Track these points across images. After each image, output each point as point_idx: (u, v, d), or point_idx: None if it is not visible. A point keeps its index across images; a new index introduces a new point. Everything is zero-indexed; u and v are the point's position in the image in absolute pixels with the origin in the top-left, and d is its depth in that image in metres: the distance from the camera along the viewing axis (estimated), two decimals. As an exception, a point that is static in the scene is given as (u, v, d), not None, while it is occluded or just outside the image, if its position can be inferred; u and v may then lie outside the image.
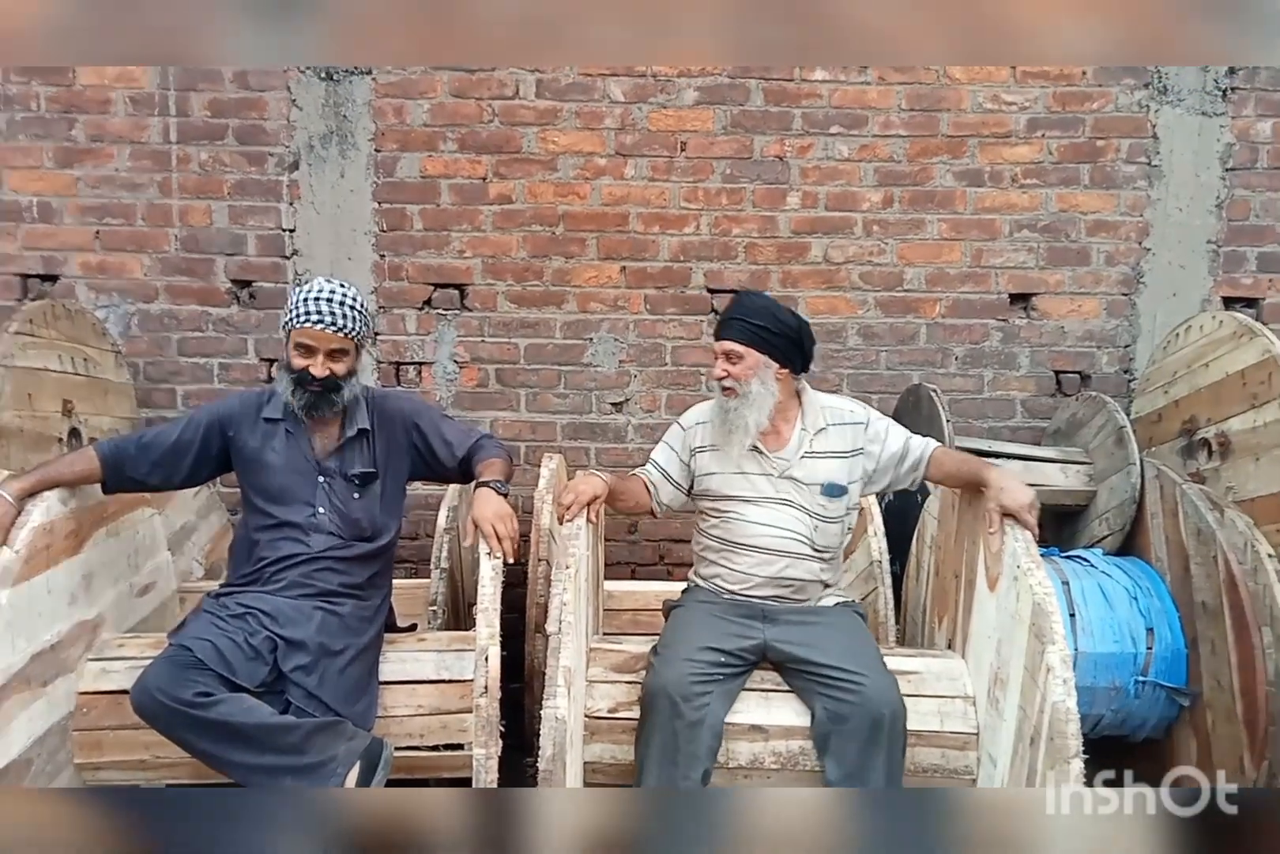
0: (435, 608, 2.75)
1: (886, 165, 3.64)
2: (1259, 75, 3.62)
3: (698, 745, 2.13)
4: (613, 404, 3.74)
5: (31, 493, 2.17)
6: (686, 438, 2.48)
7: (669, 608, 2.52)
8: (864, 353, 3.69)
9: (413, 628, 2.58)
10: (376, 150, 3.60)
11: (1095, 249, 3.70)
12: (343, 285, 2.32)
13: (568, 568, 2.09)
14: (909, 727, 2.20)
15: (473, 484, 2.37)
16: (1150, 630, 3.03)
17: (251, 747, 2.01)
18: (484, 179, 3.62)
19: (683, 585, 3.29)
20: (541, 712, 1.91)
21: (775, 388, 2.35)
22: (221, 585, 2.41)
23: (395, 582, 2.55)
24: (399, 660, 2.36)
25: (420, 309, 3.68)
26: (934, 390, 3.38)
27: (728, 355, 2.34)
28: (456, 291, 3.68)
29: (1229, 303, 3.72)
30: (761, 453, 2.39)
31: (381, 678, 2.31)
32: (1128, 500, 3.23)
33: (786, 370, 2.37)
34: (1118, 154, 3.65)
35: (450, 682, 2.32)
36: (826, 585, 2.44)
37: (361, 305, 2.33)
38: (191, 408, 3.63)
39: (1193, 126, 3.64)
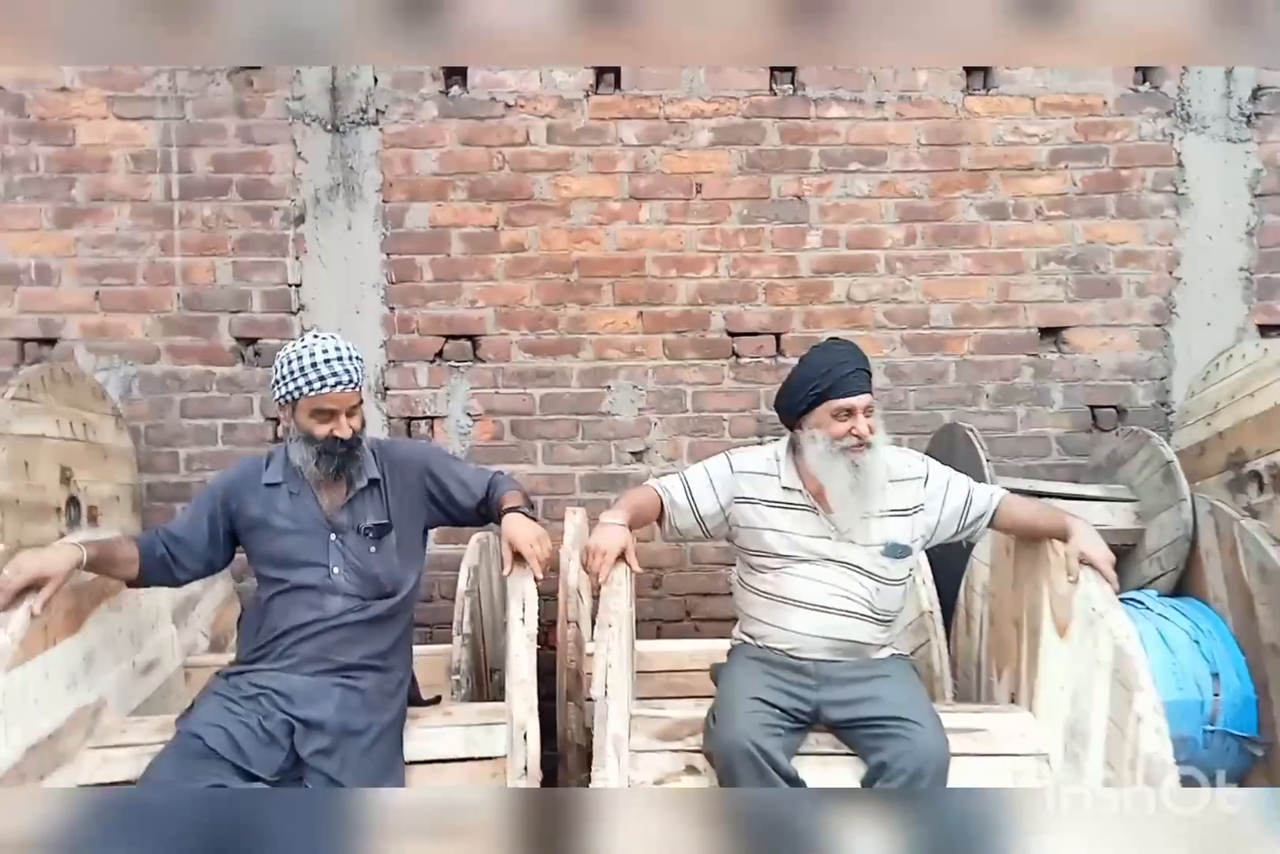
0: (459, 677, 2.58)
1: (908, 201, 3.55)
2: (1282, 99, 3.55)
3: None
4: (633, 453, 3.60)
5: (94, 563, 2.07)
6: (734, 484, 2.31)
7: (716, 670, 2.35)
8: (891, 393, 3.56)
9: (437, 701, 2.41)
10: (384, 201, 3.52)
11: (1125, 280, 3.59)
12: (334, 338, 2.22)
13: (610, 626, 1.94)
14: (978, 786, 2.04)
15: (501, 513, 2.24)
16: (1215, 676, 2.86)
17: (268, 844, 1.83)
18: (495, 227, 3.53)
19: (716, 643, 3.16)
20: (591, 786, 1.75)
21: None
22: (231, 663, 2.25)
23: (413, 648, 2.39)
24: (424, 738, 2.19)
25: (431, 362, 3.56)
26: (970, 430, 3.24)
27: (866, 410, 2.20)
28: (469, 342, 3.56)
29: (1264, 330, 3.60)
30: (817, 512, 2.25)
31: (406, 757, 2.13)
32: (1180, 538, 3.08)
33: None
34: (1144, 183, 3.56)
35: (480, 759, 2.15)
36: (883, 646, 2.28)
37: (358, 354, 2.24)
38: (194, 471, 3.50)
39: (1218, 153, 3.55)
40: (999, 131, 3.54)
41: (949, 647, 2.73)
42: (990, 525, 2.30)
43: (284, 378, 2.17)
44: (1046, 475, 3.57)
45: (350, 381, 2.17)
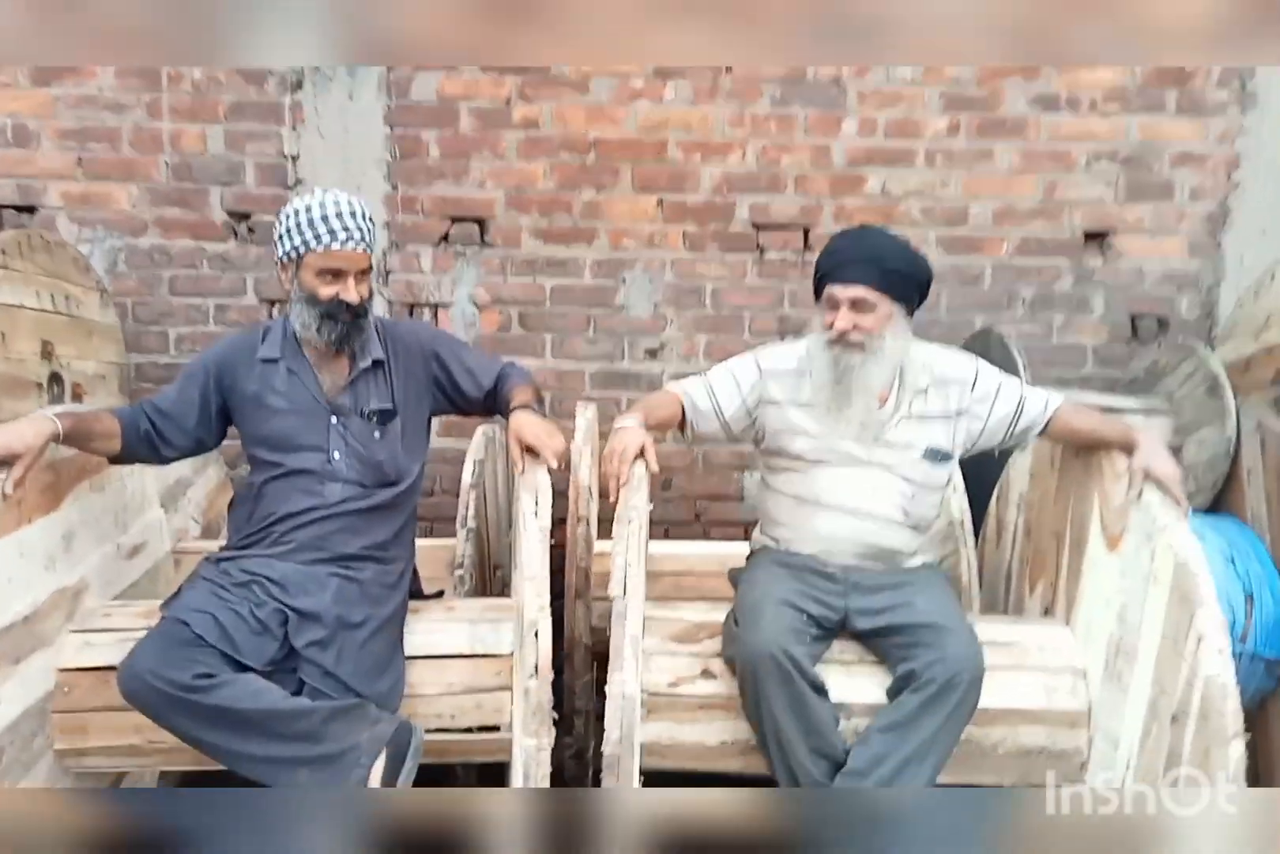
0: (462, 572, 2.46)
1: (953, 89, 3.28)
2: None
3: (827, 713, 1.87)
4: (647, 351, 3.42)
5: (70, 436, 1.88)
6: (762, 386, 2.14)
7: (736, 574, 2.23)
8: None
9: (440, 595, 2.29)
10: (389, 68, 3.24)
11: (1179, 182, 3.36)
12: (345, 194, 2.02)
13: (630, 521, 1.80)
14: (1011, 704, 1.96)
15: (509, 409, 2.08)
16: (1249, 597, 2.75)
17: (260, 735, 1.73)
18: (507, 102, 3.27)
19: (726, 546, 3.05)
20: (607, 688, 1.68)
21: (908, 340, 2.04)
22: (222, 548, 2.11)
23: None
24: (426, 632, 2.08)
25: (436, 245, 3.34)
26: (1006, 336, 3.06)
27: (855, 303, 2.01)
28: (476, 226, 3.33)
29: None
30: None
31: (406, 652, 2.02)
32: (1221, 454, 2.93)
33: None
34: (1208, 78, 3.30)
35: (485, 656, 2.05)
36: (914, 555, 2.14)
37: (371, 214, 2.04)
38: (184, 352, 3.31)
39: (1292, 44, 3.27)
40: (1060, 12, 3.26)
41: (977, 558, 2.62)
42: (1043, 434, 2.14)
43: (289, 231, 1.97)
44: (1081, 387, 3.40)
45: (362, 240, 1.98)
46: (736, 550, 2.84)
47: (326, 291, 1.98)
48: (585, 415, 2.68)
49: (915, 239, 3.34)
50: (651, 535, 3.34)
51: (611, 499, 1.92)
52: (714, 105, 3.29)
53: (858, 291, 1.99)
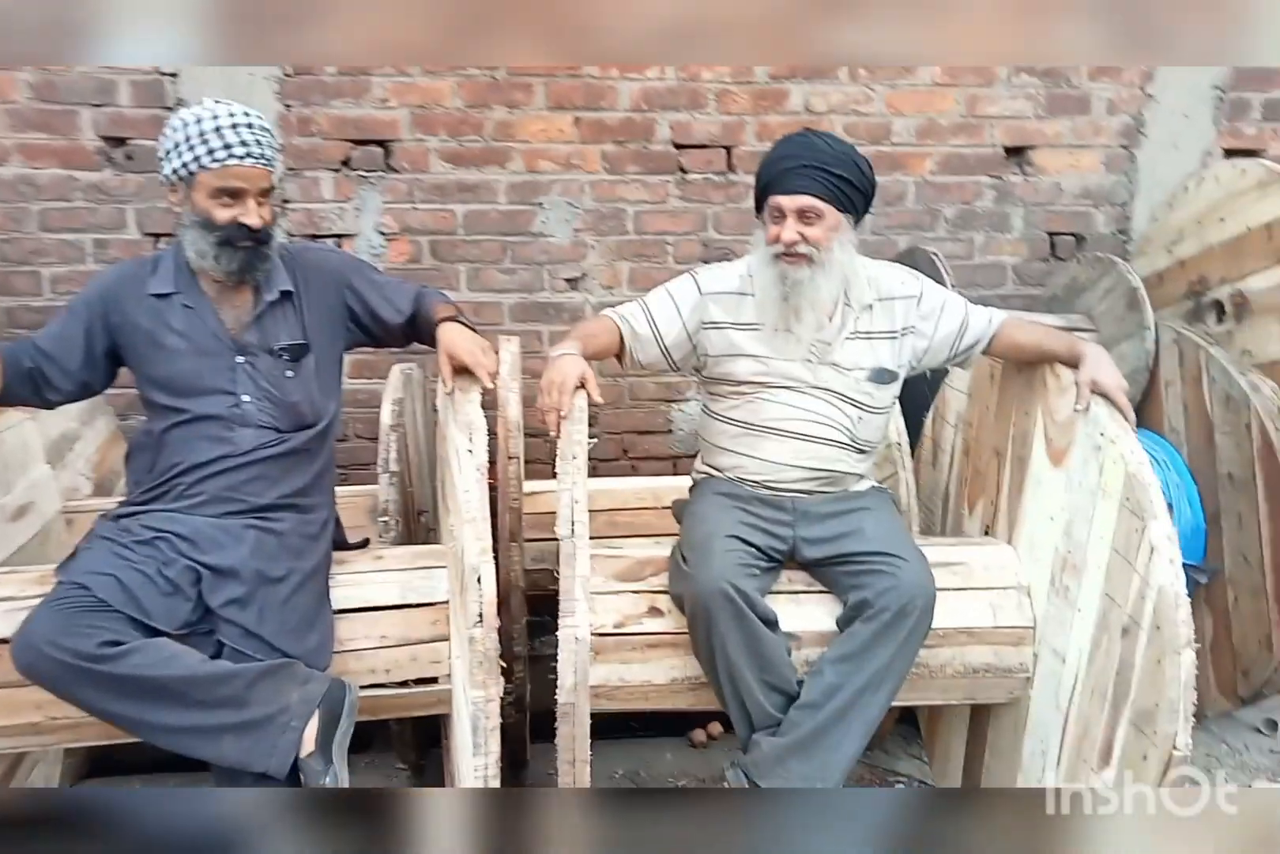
0: (387, 519, 2.33)
1: None
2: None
3: (779, 647, 1.83)
4: (567, 280, 3.27)
5: None
6: (702, 307, 2.03)
7: (680, 506, 2.15)
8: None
9: (365, 544, 2.17)
10: (269, -26, 2.96)
11: (1096, 96, 3.32)
12: (240, 106, 1.82)
13: (574, 457, 1.70)
14: (957, 624, 1.96)
15: (436, 322, 1.95)
16: (1170, 506, 2.81)
17: (179, 704, 1.60)
18: (403, 12, 3.03)
19: (658, 481, 2.98)
20: (560, 633, 1.62)
21: (854, 254, 1.94)
22: (120, 504, 1.94)
23: (332, 489, 2.12)
24: (354, 584, 1.96)
25: (337, 171, 3.11)
26: (935, 254, 3.01)
27: (802, 214, 1.90)
28: (380, 149, 3.11)
29: (1229, 155, 3.40)
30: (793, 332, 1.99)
31: (334, 606, 1.90)
32: (1140, 368, 2.96)
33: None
34: (1125, -15, 3.24)
35: (418, 606, 1.95)
36: (861, 477, 2.10)
37: (269, 126, 1.85)
38: (60, 293, 3.03)
39: (1208, -48, 3.23)
40: (981, -85, 3.14)
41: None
42: (987, 351, 2.10)
43: (177, 147, 1.76)
44: (1002, 305, 3.37)
45: (261, 156, 1.79)
46: (669, 485, 2.78)
47: (223, 215, 1.79)
48: (510, 349, 2.55)
49: (838, 157, 3.25)
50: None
51: (553, 433, 1.81)
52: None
53: (805, 201, 1.89)
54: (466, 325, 1.96)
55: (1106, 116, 3.34)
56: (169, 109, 2.98)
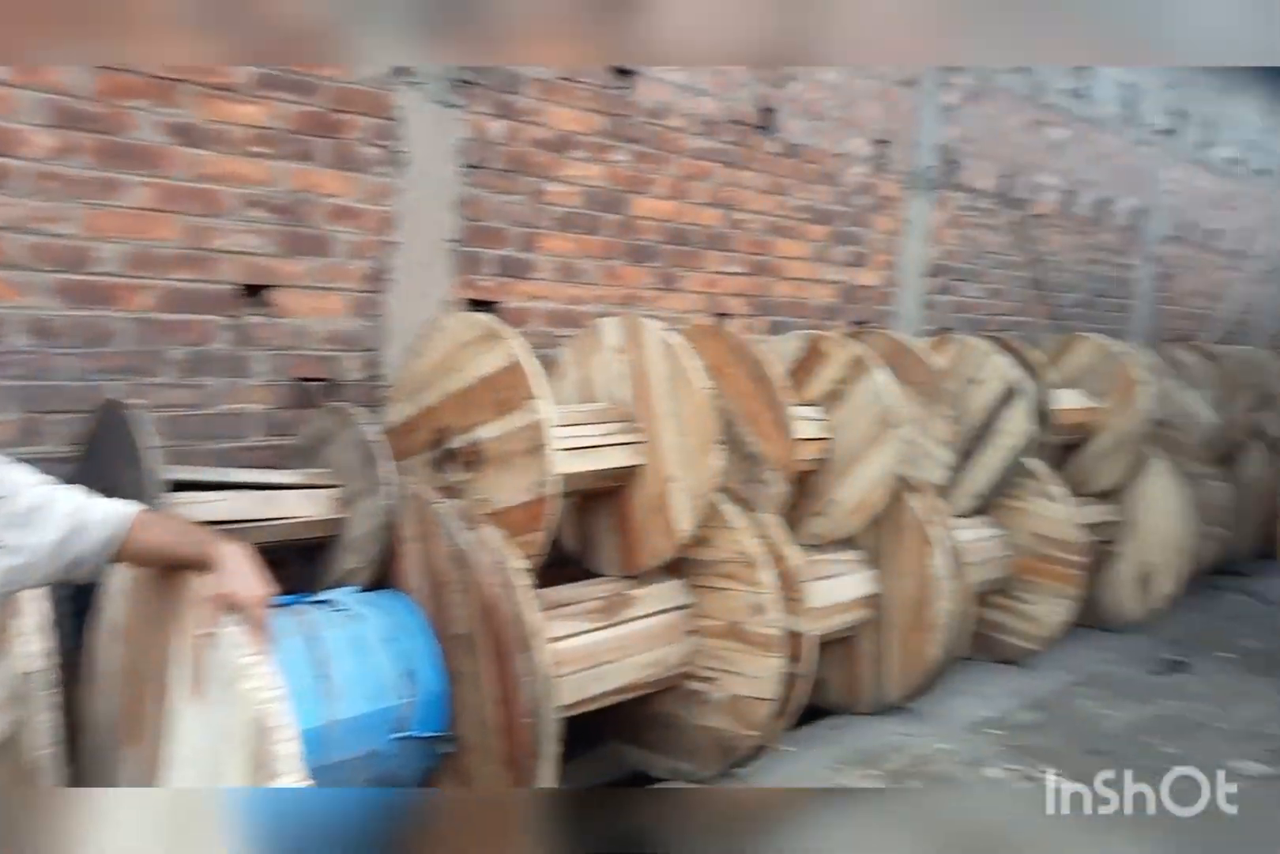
0: None
1: (64, 101, 2.68)
2: (494, 72, 3.47)
3: None
4: None
5: None
6: None
7: None
8: (38, 358, 2.67)
9: None
10: None
11: (338, 238, 3.21)
12: None
13: None
14: None
15: None
16: (410, 674, 2.66)
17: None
18: None
19: None
20: None
21: None
22: None
23: None
24: None
25: None
26: (131, 409, 2.54)
27: None
28: None
29: (474, 306, 3.54)
30: None
31: None
32: (380, 525, 2.83)
33: None
34: (360, 132, 3.21)
35: None
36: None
37: None
38: None
39: (432, 115, 3.35)
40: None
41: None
42: (118, 559, 1.65)
43: None
44: (249, 460, 3.05)
45: None
46: None
47: None
48: None
49: (22, 284, 2.68)
50: None
51: None
52: None
53: None
54: None
55: (350, 260, 3.25)
56: None
